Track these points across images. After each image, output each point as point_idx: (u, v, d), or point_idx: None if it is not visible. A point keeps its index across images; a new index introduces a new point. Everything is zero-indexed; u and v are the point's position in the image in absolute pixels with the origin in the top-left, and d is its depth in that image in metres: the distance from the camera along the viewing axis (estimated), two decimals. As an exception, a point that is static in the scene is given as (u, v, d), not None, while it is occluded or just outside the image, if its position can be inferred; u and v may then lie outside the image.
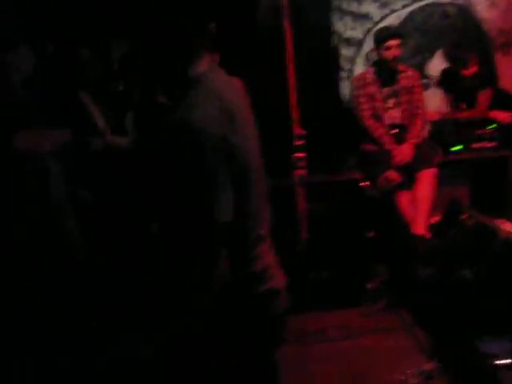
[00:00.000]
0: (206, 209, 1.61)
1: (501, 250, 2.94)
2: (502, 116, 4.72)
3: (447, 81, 4.96)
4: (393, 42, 4.34)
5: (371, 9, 5.07)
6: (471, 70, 4.69)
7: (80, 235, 3.61)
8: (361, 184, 4.27)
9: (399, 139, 4.43)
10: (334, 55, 4.36)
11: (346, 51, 5.05)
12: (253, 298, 1.75)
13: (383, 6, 5.07)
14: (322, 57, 4.63)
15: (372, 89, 4.47)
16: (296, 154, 4.37)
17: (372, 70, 4.54)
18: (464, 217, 3.47)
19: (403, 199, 4.27)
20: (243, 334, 1.77)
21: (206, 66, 1.77)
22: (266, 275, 1.78)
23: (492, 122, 4.70)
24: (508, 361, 2.66)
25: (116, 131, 3.85)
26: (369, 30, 5.06)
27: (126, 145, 3.79)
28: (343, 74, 5.07)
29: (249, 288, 1.74)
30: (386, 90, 4.48)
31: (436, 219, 4.10)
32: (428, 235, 4.04)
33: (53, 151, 3.45)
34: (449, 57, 5.06)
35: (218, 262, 1.65)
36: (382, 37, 4.40)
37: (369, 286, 4.15)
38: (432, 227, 4.05)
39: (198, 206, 1.63)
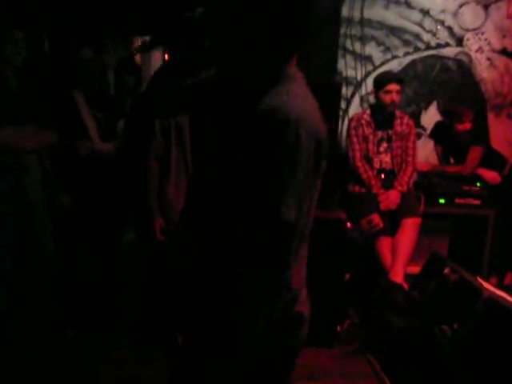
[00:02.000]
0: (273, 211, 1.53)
1: (483, 310, 2.89)
2: (489, 175, 4.72)
3: (440, 134, 4.97)
4: (393, 87, 4.33)
5: (374, 52, 5.08)
6: (465, 125, 4.69)
7: (51, 238, 3.50)
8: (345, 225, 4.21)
9: (387, 185, 4.41)
10: (335, 93, 4.31)
11: (343, 90, 5.03)
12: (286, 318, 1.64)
13: (386, 50, 5.09)
14: (323, 93, 4.58)
15: (366, 131, 4.44)
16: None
17: (369, 112, 4.52)
18: (446, 271, 3.41)
19: (384, 245, 4.23)
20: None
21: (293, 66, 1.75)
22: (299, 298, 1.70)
23: (479, 179, 4.70)
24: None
25: (107, 138, 3.74)
26: (369, 73, 5.07)
27: (110, 151, 3.69)
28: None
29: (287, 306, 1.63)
30: (379, 134, 4.46)
31: (414, 270, 4.04)
32: (405, 285, 3.98)
33: (35, 151, 3.35)
34: (444, 110, 5.09)
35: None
36: (383, 80, 4.38)
37: (339, 328, 4.06)
38: (410, 278, 3.99)
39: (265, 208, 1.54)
